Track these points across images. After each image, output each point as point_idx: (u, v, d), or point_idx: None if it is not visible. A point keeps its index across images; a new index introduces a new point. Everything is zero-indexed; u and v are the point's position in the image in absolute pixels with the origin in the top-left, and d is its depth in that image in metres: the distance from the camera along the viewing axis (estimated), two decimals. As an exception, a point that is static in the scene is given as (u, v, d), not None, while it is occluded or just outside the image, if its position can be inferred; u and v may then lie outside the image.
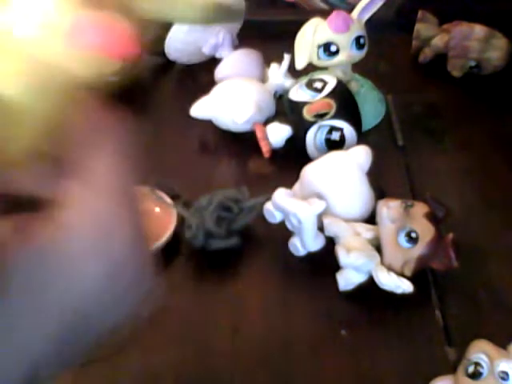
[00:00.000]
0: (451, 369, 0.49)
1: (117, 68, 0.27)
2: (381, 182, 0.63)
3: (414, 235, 0.55)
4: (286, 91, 0.75)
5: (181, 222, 0.61)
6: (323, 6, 1.01)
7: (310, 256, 0.59)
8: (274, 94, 0.77)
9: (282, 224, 0.59)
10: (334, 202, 0.59)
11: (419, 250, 0.55)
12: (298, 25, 0.75)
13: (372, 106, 0.79)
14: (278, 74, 0.79)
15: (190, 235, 0.60)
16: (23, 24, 0.24)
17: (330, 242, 0.58)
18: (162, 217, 0.61)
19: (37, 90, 0.25)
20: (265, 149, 0.71)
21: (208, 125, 0.76)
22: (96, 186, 0.26)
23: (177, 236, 0.60)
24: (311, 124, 0.69)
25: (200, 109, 0.75)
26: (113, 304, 0.27)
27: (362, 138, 0.71)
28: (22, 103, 0.24)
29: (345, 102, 0.70)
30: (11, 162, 0.25)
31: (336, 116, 0.69)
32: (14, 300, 0.23)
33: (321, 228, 0.58)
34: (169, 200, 0.62)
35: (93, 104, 0.26)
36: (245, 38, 0.85)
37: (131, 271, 0.27)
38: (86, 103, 0.26)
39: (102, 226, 0.25)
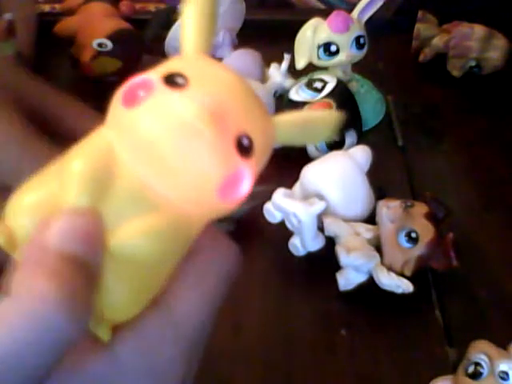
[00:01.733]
0: (451, 369, 0.49)
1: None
2: (381, 182, 0.63)
3: (414, 235, 0.55)
4: (286, 91, 0.75)
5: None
6: (319, 4, 1.01)
7: (310, 256, 0.59)
8: (274, 94, 0.77)
9: (282, 224, 0.59)
10: (334, 201, 0.59)
11: (419, 249, 0.55)
12: (298, 25, 0.75)
13: (372, 105, 0.79)
14: (278, 74, 0.79)
15: None
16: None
17: (330, 242, 0.58)
18: None
19: (170, 247, 0.23)
20: (265, 149, 0.71)
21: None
22: (168, 325, 0.24)
23: None
24: (311, 124, 0.69)
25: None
26: None
27: (362, 138, 0.71)
28: (152, 260, 0.23)
29: (345, 102, 0.70)
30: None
31: (336, 116, 0.69)
32: None
33: (321, 228, 0.58)
34: None
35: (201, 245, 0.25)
36: (245, 38, 0.85)
37: None
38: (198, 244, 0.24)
39: (155, 375, 0.24)
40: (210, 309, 0.25)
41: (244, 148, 0.22)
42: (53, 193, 0.23)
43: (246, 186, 0.23)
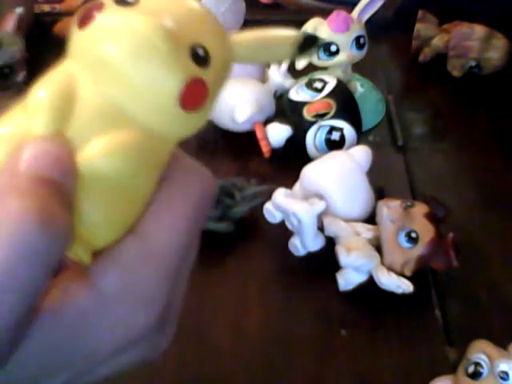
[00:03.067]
0: (451, 369, 0.49)
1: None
2: (381, 182, 0.63)
3: (414, 235, 0.55)
4: (286, 91, 0.75)
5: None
6: (310, 2, 1.01)
7: (310, 256, 0.59)
8: (274, 94, 0.77)
9: (282, 224, 0.59)
10: (334, 202, 0.59)
11: (419, 250, 0.55)
12: (298, 25, 0.75)
13: (372, 105, 0.79)
14: (277, 73, 0.79)
15: None
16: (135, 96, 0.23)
17: (330, 242, 0.58)
18: None
19: (139, 163, 0.23)
20: (265, 149, 0.71)
21: (208, 125, 0.75)
22: (148, 253, 0.24)
23: (225, 272, 0.60)
24: (311, 124, 0.69)
25: (200, 109, 0.74)
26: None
27: (362, 138, 0.71)
28: (123, 177, 0.23)
29: (345, 102, 0.70)
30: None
31: (336, 116, 0.69)
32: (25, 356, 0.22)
33: (321, 228, 0.58)
34: None
35: (175, 164, 0.25)
36: (245, 38, 0.85)
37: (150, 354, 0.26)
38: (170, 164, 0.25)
39: (138, 300, 0.24)
40: (188, 231, 0.25)
41: (199, 57, 0.23)
42: (20, 124, 0.23)
43: (205, 94, 0.24)
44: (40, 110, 0.23)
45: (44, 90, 0.23)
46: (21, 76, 0.75)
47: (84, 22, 0.23)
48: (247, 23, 0.86)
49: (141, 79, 0.23)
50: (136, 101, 0.23)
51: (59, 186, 0.22)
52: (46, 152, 0.22)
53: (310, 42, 0.27)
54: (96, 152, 0.23)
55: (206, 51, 0.23)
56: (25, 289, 0.21)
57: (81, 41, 0.23)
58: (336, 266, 0.56)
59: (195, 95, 0.23)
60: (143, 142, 0.23)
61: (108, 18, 0.23)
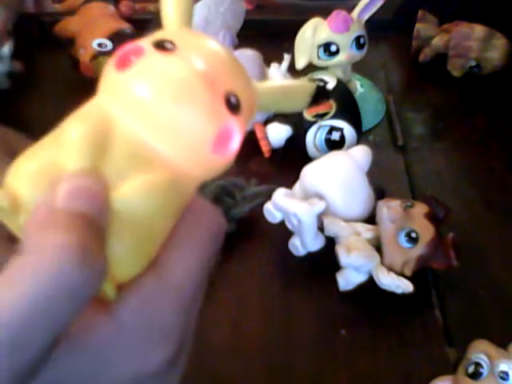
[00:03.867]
0: (451, 369, 0.49)
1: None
2: (381, 182, 0.63)
3: (414, 235, 0.55)
4: (286, 91, 0.75)
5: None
6: (289, 1, 1.01)
7: (310, 256, 0.59)
8: (274, 94, 0.77)
9: (282, 224, 0.59)
10: (333, 202, 0.59)
11: (419, 250, 0.55)
12: (298, 25, 0.75)
13: (372, 105, 0.79)
14: (278, 73, 0.79)
15: None
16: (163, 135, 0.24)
17: (330, 242, 0.58)
18: None
19: (168, 204, 0.24)
20: (265, 149, 0.71)
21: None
22: (166, 287, 0.24)
23: (225, 272, 0.59)
24: (311, 124, 0.69)
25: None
26: None
27: (362, 138, 0.71)
28: (152, 216, 0.24)
29: (345, 102, 0.70)
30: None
31: (336, 116, 0.69)
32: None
33: (321, 228, 0.58)
34: None
35: (193, 203, 0.26)
36: (245, 38, 0.85)
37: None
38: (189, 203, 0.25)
39: (156, 332, 0.24)
40: (204, 269, 0.26)
41: (232, 105, 0.24)
42: (52, 159, 0.23)
43: (236, 141, 0.25)
44: (76, 145, 0.23)
45: (80, 125, 0.23)
46: (6, 47, 0.74)
47: (124, 64, 0.23)
48: (247, 23, 0.86)
49: (179, 123, 0.23)
50: (171, 143, 0.24)
51: (95, 223, 0.22)
52: (82, 187, 0.22)
53: (320, 92, 0.29)
54: (130, 191, 0.23)
55: (237, 99, 0.24)
56: (57, 327, 0.21)
57: (119, 82, 0.24)
58: (336, 266, 0.56)
59: (226, 141, 0.25)
60: (173, 183, 0.24)
61: (149, 61, 0.23)
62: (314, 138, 0.70)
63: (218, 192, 0.61)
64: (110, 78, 0.24)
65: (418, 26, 0.89)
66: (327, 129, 0.69)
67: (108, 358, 0.24)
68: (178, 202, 0.25)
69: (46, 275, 0.20)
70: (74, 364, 0.23)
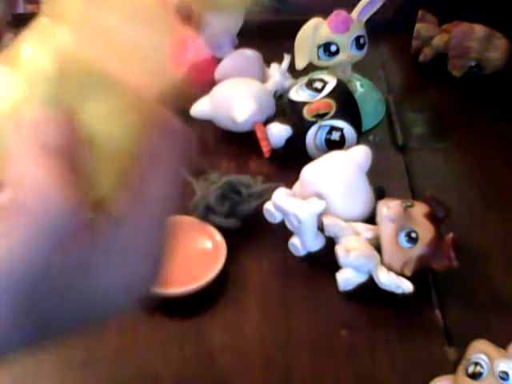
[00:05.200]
0: (451, 369, 0.49)
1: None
2: (381, 182, 0.63)
3: (414, 235, 0.55)
4: (286, 91, 0.75)
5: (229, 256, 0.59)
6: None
7: (310, 256, 0.59)
8: (274, 94, 0.77)
9: (282, 224, 0.59)
10: (334, 201, 0.59)
11: (419, 250, 0.55)
12: (298, 25, 0.75)
13: (372, 105, 0.79)
14: (278, 73, 0.79)
15: (192, 205, 0.60)
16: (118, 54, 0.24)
17: (330, 242, 0.58)
18: (213, 253, 0.59)
19: (131, 124, 0.25)
20: (265, 149, 0.71)
21: (208, 125, 0.76)
22: (146, 202, 0.26)
23: (225, 273, 0.58)
24: (311, 124, 0.69)
25: (200, 109, 0.75)
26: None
27: (362, 137, 0.71)
28: (116, 140, 0.25)
29: (345, 102, 0.70)
30: (102, 199, 0.25)
31: (336, 116, 0.69)
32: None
33: (321, 228, 0.58)
34: (219, 236, 0.60)
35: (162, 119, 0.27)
36: (245, 38, 0.85)
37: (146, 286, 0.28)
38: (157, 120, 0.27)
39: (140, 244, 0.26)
40: (173, 182, 0.27)
41: (186, 17, 0.25)
42: (17, 90, 0.24)
43: (193, 50, 0.26)
44: (37, 75, 0.23)
45: (38, 55, 0.24)
46: (7, 38, 0.75)
47: None
48: (247, 23, 0.86)
49: (138, 41, 0.24)
50: (131, 62, 0.24)
51: (67, 151, 0.23)
52: (48, 118, 0.23)
53: None
54: (95, 116, 0.24)
55: (191, 9, 0.26)
56: (53, 256, 0.23)
57: (72, 7, 0.24)
58: (336, 266, 0.56)
59: (182, 50, 0.25)
60: (136, 101, 0.25)
61: None
62: (314, 137, 0.70)
63: (225, 189, 0.61)
64: (61, 3, 0.24)
65: (417, 26, 0.89)
66: (327, 129, 0.69)
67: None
68: (141, 117, 0.25)
69: (36, 224, 0.22)
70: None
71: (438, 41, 0.87)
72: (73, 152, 0.24)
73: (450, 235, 0.55)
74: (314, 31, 0.73)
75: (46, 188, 0.22)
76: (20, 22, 0.87)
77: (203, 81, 0.26)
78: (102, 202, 0.25)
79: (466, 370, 0.46)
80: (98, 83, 0.24)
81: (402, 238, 0.55)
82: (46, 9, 0.25)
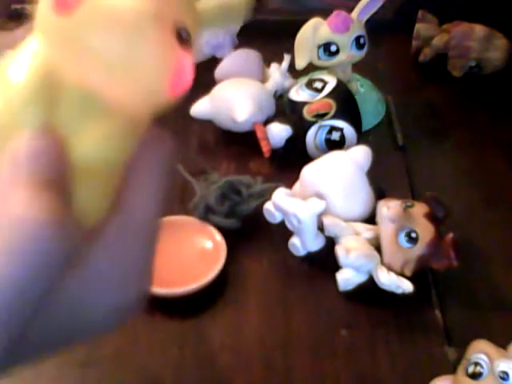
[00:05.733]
0: (451, 369, 0.49)
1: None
2: (381, 182, 0.63)
3: (414, 235, 0.55)
4: (286, 91, 0.75)
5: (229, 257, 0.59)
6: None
7: (310, 256, 0.59)
8: (274, 94, 0.77)
9: (282, 224, 0.59)
10: (334, 201, 0.59)
11: (419, 250, 0.55)
12: (298, 25, 0.75)
13: (372, 105, 0.79)
14: (278, 73, 0.79)
15: (192, 205, 0.60)
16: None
17: (330, 242, 0.58)
18: (213, 253, 0.59)
19: (121, 149, 0.24)
20: (265, 149, 0.71)
21: (208, 125, 0.76)
22: (131, 223, 0.26)
23: (225, 273, 0.58)
24: (311, 124, 0.69)
25: (200, 109, 0.75)
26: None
27: (362, 138, 0.71)
28: (110, 165, 0.24)
29: (345, 102, 0.70)
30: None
31: (336, 116, 0.69)
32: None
33: (321, 228, 0.58)
34: (219, 236, 0.60)
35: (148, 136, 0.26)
36: (245, 38, 0.85)
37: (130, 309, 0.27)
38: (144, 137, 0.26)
39: (121, 267, 0.26)
40: (159, 203, 0.27)
41: (183, 39, 0.24)
42: (2, 114, 0.23)
43: (190, 75, 0.24)
44: (26, 101, 0.22)
45: (25, 77, 0.23)
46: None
47: (65, 6, 0.22)
48: (247, 23, 0.86)
49: (134, 66, 0.23)
50: (126, 87, 0.23)
51: (57, 181, 0.23)
52: (40, 150, 0.23)
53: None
54: (88, 143, 0.23)
55: (187, 31, 0.24)
56: (42, 287, 0.22)
57: (64, 27, 0.23)
58: (336, 266, 0.56)
59: (181, 77, 0.24)
60: (129, 127, 0.24)
61: (93, 4, 0.22)
62: (314, 137, 0.70)
63: (225, 189, 0.61)
64: (51, 23, 0.23)
65: (417, 25, 0.89)
66: (327, 129, 0.69)
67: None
68: (134, 142, 0.25)
69: (24, 249, 0.21)
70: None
71: (438, 41, 0.87)
72: (63, 179, 0.23)
73: (450, 235, 0.55)
74: (314, 31, 0.73)
75: (33, 212, 0.21)
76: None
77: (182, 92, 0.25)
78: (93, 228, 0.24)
79: (466, 370, 0.46)
80: (91, 105, 0.23)
81: (402, 238, 0.55)
82: (33, 26, 0.24)
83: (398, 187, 0.69)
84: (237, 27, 0.85)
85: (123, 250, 0.25)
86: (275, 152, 0.72)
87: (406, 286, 0.54)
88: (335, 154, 0.63)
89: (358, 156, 0.62)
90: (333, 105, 0.69)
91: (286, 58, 0.78)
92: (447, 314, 0.56)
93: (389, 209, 0.56)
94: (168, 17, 0.23)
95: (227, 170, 0.71)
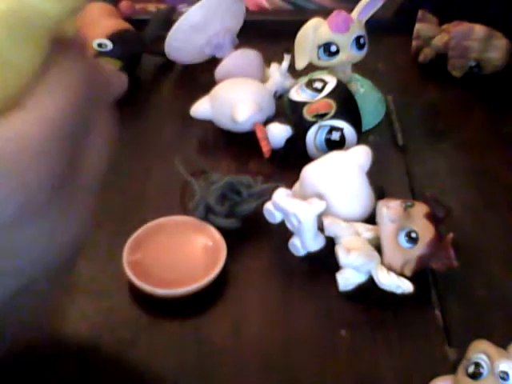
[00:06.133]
0: (451, 369, 0.49)
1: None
2: (381, 182, 0.63)
3: (414, 235, 0.55)
4: (286, 91, 0.75)
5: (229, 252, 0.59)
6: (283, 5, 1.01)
7: (310, 256, 0.59)
8: (274, 94, 0.77)
9: (282, 224, 0.59)
10: (334, 202, 0.59)
11: (419, 250, 0.55)
12: (298, 25, 0.75)
13: (372, 105, 0.79)
14: (278, 73, 0.79)
15: (192, 205, 0.60)
16: None
17: (330, 242, 0.58)
18: (213, 253, 0.59)
19: (16, 33, 0.24)
20: (265, 149, 0.71)
21: (208, 125, 0.76)
22: (37, 116, 0.24)
23: (225, 273, 0.58)
24: (311, 124, 0.69)
25: (200, 109, 0.75)
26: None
27: (362, 138, 0.71)
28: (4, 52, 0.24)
29: (345, 102, 0.70)
30: None
31: (336, 116, 0.69)
32: None
33: (321, 228, 0.58)
34: (219, 236, 0.60)
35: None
36: (245, 38, 0.85)
37: (32, 212, 0.25)
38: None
39: (24, 155, 0.24)
40: (78, 104, 0.25)
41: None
42: None
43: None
44: None
45: None
46: None
47: None
48: (247, 23, 0.86)
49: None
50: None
51: None
52: None
53: None
54: None
55: None
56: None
57: None
58: (336, 266, 0.56)
59: None
60: (17, 12, 0.24)
61: None
62: (314, 138, 0.70)
63: (225, 189, 0.61)
64: None
65: (417, 25, 0.89)
66: (327, 129, 0.69)
67: None
68: (30, 35, 0.24)
69: None
70: None
71: (438, 41, 0.87)
72: None
73: (450, 235, 0.55)
74: (314, 31, 0.73)
75: None
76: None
77: None
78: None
79: (466, 370, 0.46)
80: None
81: (402, 238, 0.55)
82: None
83: (398, 187, 0.69)
84: (237, 27, 0.86)
85: (28, 133, 0.24)
86: (275, 152, 0.72)
87: (406, 286, 0.54)
88: (335, 154, 0.63)
89: (358, 156, 0.62)
90: (333, 105, 0.69)
91: (286, 58, 0.78)
92: (447, 314, 0.56)
93: (389, 209, 0.56)
94: None
95: (227, 170, 0.71)
